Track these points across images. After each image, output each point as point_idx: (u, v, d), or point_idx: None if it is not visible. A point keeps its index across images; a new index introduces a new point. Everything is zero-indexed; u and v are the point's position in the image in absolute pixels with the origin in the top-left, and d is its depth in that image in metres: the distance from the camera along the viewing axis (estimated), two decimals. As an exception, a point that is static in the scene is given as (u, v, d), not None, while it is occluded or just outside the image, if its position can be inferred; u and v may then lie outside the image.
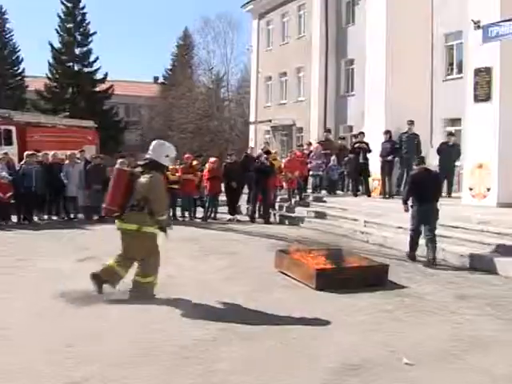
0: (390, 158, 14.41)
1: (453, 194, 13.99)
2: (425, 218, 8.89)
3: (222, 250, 9.96)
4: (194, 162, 15.32)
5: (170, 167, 13.94)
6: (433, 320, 5.92)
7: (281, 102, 27.63)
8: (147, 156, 6.56)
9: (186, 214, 14.75)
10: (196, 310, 6.03)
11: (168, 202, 6.85)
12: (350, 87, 23.19)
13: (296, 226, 13.58)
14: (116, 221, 6.49)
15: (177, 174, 14.48)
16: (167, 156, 6.59)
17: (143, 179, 6.42)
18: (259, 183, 14.33)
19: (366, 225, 12.24)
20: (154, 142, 6.64)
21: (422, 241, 9.14)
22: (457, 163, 14.14)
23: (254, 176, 14.25)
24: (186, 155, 15.40)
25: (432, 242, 8.79)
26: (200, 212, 14.94)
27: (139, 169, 6.51)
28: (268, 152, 14.91)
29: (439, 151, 14.26)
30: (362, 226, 12.30)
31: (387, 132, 14.70)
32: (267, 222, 14.10)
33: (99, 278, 6.51)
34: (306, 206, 15.11)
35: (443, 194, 12.10)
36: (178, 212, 14.58)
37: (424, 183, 8.95)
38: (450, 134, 15.13)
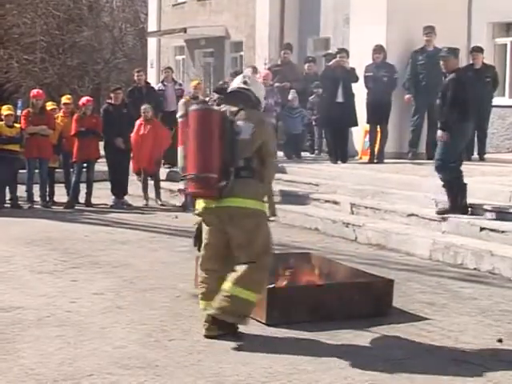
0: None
1: (486, 156, 12.49)
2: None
3: (102, 259, 8.55)
4: (49, 106, 13.00)
5: (5, 113, 11.90)
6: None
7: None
8: (239, 86, 5.58)
9: (37, 195, 12.56)
10: None
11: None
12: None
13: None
14: (201, 199, 5.39)
15: (17, 126, 12.22)
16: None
17: (248, 124, 5.39)
18: None
19: (354, 211, 10.43)
20: (247, 71, 6.41)
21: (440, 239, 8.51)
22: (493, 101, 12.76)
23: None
24: (34, 91, 12.78)
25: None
26: (61, 193, 12.87)
27: (229, 108, 5.39)
28: (222, 91, 11.19)
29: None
30: (346, 212, 10.57)
31: (380, 49, 12.76)
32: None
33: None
34: None
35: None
36: (22, 193, 12.51)
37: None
38: (476, 49, 12.43)
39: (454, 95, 8.90)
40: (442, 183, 9.17)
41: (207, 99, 12.05)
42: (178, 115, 5.46)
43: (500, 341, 5.50)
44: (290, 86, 13.88)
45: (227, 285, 5.42)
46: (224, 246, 5.55)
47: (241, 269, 5.43)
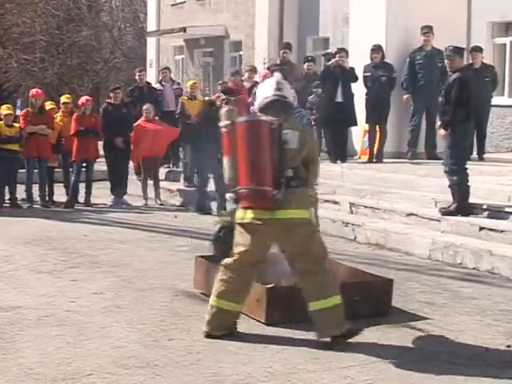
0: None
1: (486, 156, 12.43)
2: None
3: (101, 258, 8.52)
4: (48, 105, 12.92)
5: (4, 113, 11.83)
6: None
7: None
8: (275, 94, 5.47)
9: (36, 195, 12.52)
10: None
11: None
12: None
13: (232, 215, 10.81)
14: (251, 210, 5.33)
15: (16, 125, 12.13)
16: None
17: (294, 133, 5.39)
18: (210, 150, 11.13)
19: (353, 211, 10.42)
20: (277, 75, 5.71)
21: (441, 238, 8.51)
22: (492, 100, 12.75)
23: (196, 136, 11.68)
24: (33, 91, 12.76)
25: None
26: (60, 193, 12.81)
27: (270, 118, 5.32)
28: (230, 91, 11.08)
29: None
30: (345, 212, 10.53)
31: (378, 49, 12.70)
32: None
33: None
34: None
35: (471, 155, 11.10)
36: (21, 192, 12.42)
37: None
38: (476, 48, 12.45)
39: (459, 95, 8.89)
40: (449, 184, 9.14)
41: (218, 97, 12.12)
42: (221, 124, 5.32)
43: (509, 346, 5.46)
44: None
45: (313, 304, 5.39)
46: (263, 254, 5.55)
47: (307, 283, 5.38)
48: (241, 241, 5.47)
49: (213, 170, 11.58)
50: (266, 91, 5.63)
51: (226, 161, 5.49)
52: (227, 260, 5.67)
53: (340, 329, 5.37)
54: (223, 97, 11.67)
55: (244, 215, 5.43)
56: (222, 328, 5.52)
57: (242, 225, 5.47)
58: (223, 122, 5.59)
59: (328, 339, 5.41)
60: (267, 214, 5.37)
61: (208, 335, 5.50)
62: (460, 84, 8.94)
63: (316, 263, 5.44)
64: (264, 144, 5.32)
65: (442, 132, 9.08)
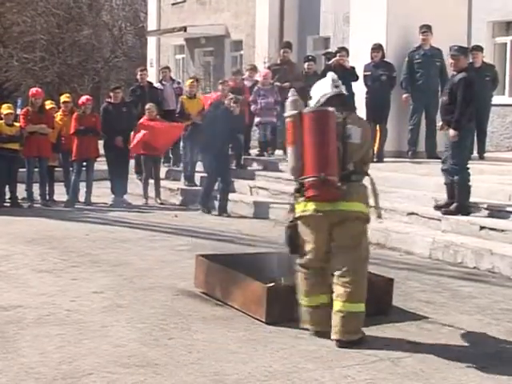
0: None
1: (486, 155, 12.32)
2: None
3: (101, 257, 8.48)
4: (48, 105, 12.87)
5: (5, 112, 11.80)
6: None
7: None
8: (335, 91, 5.53)
9: (37, 194, 12.48)
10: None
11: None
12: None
13: (230, 214, 11.63)
14: (313, 201, 5.32)
15: (16, 125, 12.11)
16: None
17: (357, 128, 5.44)
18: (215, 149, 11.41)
19: None
20: (331, 74, 5.68)
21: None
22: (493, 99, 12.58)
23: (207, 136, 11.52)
24: (33, 90, 12.71)
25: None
26: (60, 192, 12.80)
27: (331, 109, 5.34)
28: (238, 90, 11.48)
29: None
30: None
31: (378, 48, 12.60)
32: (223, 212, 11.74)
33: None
34: (249, 179, 12.77)
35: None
36: (22, 192, 12.40)
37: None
38: (476, 48, 12.27)
39: (465, 95, 8.87)
40: (445, 182, 9.09)
41: (230, 97, 12.08)
42: (286, 115, 5.28)
43: None
44: (290, 85, 13.22)
45: (343, 304, 5.37)
46: (326, 245, 5.52)
47: (343, 282, 5.36)
48: (306, 237, 5.49)
49: (220, 171, 11.62)
50: (323, 89, 5.62)
51: (290, 150, 5.48)
52: (300, 259, 5.68)
53: (358, 335, 5.37)
54: (231, 96, 11.62)
55: (305, 207, 5.43)
56: (324, 323, 5.49)
57: (303, 218, 5.49)
58: (289, 112, 5.56)
59: (334, 340, 5.37)
60: (329, 206, 5.37)
61: (316, 333, 5.49)
62: (466, 84, 8.93)
63: (358, 262, 5.43)
64: (332, 135, 5.32)
65: (451, 133, 9.02)
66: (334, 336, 5.39)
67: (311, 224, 5.48)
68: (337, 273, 5.45)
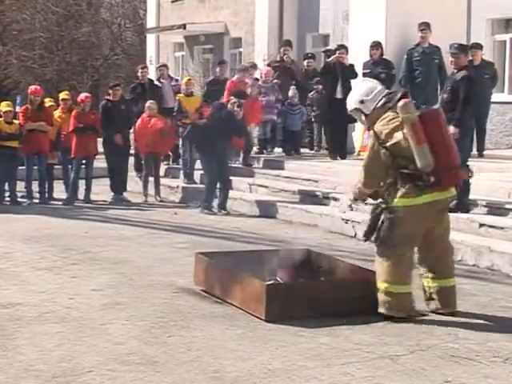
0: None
1: (485, 153, 12.25)
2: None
3: (101, 255, 8.47)
4: (47, 102, 12.84)
5: (4, 110, 11.78)
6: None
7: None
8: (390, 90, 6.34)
9: (36, 191, 12.44)
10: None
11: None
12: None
13: (230, 212, 11.59)
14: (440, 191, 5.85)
15: (16, 122, 12.10)
16: None
17: None
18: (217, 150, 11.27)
19: (354, 207, 10.11)
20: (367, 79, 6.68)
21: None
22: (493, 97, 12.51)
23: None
24: (32, 88, 12.71)
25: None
26: (60, 190, 12.76)
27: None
28: (243, 95, 11.00)
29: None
30: (345, 208, 10.32)
31: (377, 46, 12.58)
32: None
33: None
34: (249, 176, 12.78)
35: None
36: (21, 190, 12.34)
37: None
38: (475, 45, 12.19)
39: (467, 93, 8.87)
40: None
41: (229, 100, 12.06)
42: (411, 116, 5.76)
43: None
44: (289, 82, 13.55)
45: (448, 280, 5.99)
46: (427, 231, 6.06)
47: (446, 263, 5.98)
48: (409, 226, 5.83)
49: (221, 172, 11.55)
50: (374, 87, 6.14)
51: (424, 148, 5.82)
52: (400, 248, 5.92)
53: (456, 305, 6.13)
54: (234, 100, 11.48)
55: (427, 197, 5.80)
56: (403, 310, 5.87)
57: (415, 206, 5.82)
58: (414, 114, 5.98)
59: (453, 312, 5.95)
60: (448, 194, 5.97)
61: (391, 317, 5.83)
62: (469, 82, 8.97)
63: (450, 245, 6.15)
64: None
65: (452, 130, 8.95)
66: (449, 309, 5.97)
67: (423, 213, 5.88)
68: (439, 258, 6.01)
